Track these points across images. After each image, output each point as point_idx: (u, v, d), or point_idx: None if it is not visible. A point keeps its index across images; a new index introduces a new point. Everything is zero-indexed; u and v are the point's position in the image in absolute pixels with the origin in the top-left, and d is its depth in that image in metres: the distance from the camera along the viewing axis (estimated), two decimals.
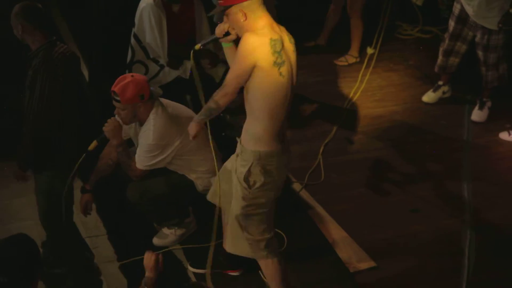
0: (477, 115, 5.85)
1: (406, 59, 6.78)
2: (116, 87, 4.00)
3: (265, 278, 4.01)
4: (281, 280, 3.85)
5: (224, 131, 5.38)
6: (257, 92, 3.42)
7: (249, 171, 3.55)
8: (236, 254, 3.89)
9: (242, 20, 3.38)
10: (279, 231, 4.21)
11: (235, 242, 3.82)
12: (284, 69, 3.41)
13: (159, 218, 4.47)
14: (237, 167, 3.62)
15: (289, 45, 3.48)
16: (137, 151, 4.17)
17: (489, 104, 5.84)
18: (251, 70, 3.36)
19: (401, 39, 7.17)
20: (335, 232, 4.61)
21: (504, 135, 5.66)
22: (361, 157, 5.40)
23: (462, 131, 5.74)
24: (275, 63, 3.37)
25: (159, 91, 4.16)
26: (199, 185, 4.34)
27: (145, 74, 5.09)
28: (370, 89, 6.26)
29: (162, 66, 5.12)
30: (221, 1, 3.42)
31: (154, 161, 4.15)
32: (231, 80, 3.41)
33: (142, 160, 4.15)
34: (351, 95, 6.14)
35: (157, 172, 4.23)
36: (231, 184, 3.75)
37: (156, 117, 4.09)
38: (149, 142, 4.08)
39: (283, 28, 3.52)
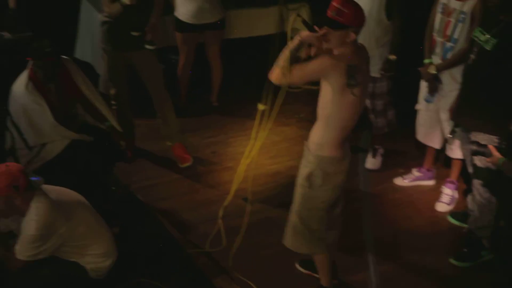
0: (371, 162, 5.92)
1: (297, 112, 6.81)
2: None
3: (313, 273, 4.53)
4: (328, 272, 4.38)
5: None
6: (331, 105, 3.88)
7: (311, 172, 4.01)
8: (293, 249, 4.29)
9: (347, 40, 3.75)
10: None
11: (295, 238, 4.22)
12: (357, 90, 3.78)
13: None
14: (301, 168, 4.11)
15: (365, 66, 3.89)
16: (19, 241, 3.91)
17: (381, 151, 5.93)
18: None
19: (291, 93, 7.17)
20: None
21: (398, 181, 5.74)
22: (263, 217, 5.26)
23: (358, 180, 5.78)
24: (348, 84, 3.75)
25: (41, 182, 3.95)
26: (91, 270, 4.12)
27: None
28: (265, 146, 6.20)
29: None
30: (340, 19, 3.68)
31: (37, 251, 3.89)
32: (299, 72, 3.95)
33: (24, 250, 3.88)
34: (246, 154, 6.05)
35: (44, 260, 3.97)
36: None
37: (38, 206, 3.85)
38: (31, 232, 3.84)
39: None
